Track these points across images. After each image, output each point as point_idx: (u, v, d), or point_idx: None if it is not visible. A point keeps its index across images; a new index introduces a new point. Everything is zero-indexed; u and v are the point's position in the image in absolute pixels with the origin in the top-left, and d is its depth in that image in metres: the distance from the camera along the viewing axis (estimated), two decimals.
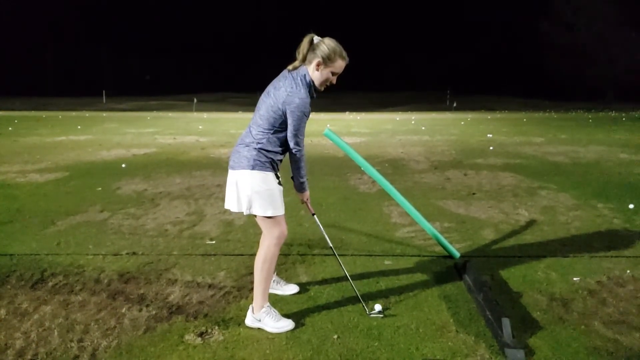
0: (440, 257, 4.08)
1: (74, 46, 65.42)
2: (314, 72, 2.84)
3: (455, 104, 38.89)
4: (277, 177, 2.91)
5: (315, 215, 3.21)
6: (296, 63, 2.88)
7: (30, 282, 3.53)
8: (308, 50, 2.83)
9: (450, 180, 7.59)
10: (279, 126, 2.81)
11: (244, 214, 2.90)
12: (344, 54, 2.85)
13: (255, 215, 2.89)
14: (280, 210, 2.88)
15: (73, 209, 5.68)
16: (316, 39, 2.85)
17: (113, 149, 11.74)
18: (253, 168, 2.82)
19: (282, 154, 2.91)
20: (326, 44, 2.82)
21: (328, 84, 2.92)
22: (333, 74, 2.87)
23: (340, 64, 2.86)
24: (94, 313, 3.05)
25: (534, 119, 26.56)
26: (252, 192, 2.82)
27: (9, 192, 6.67)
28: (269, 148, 2.83)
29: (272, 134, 2.82)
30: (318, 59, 2.80)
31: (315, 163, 9.39)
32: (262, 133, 2.84)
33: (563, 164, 9.34)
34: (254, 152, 2.82)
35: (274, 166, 2.88)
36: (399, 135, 15.64)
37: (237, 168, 2.86)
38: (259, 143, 2.83)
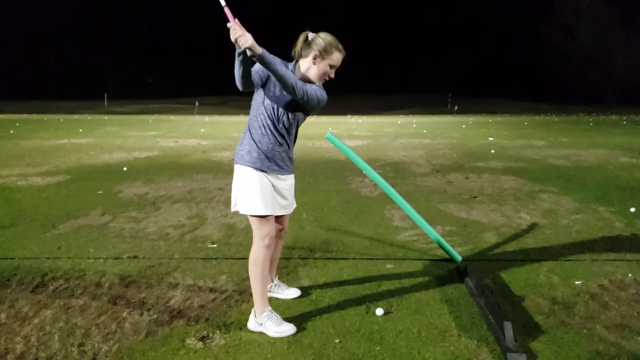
0: (442, 260, 4.07)
1: (75, 49, 65.55)
2: (311, 67, 2.83)
3: (456, 107, 38.94)
4: (272, 175, 2.86)
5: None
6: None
7: (30, 285, 3.52)
8: (302, 46, 2.83)
9: (452, 184, 7.58)
10: (260, 103, 2.82)
11: (231, 210, 2.91)
12: (340, 46, 2.84)
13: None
14: (267, 210, 2.82)
15: (74, 213, 5.68)
16: (311, 35, 2.85)
17: (114, 152, 11.75)
18: (242, 163, 2.84)
19: (272, 143, 2.82)
20: (322, 38, 2.81)
21: (327, 78, 2.90)
22: (331, 67, 2.86)
23: (337, 57, 2.85)
24: (94, 317, 3.04)
25: (535, 122, 26.56)
26: (239, 187, 2.85)
27: (10, 196, 6.68)
28: (257, 136, 2.82)
29: (257, 115, 2.83)
30: (314, 52, 2.80)
31: (316, 166, 9.39)
32: (250, 120, 2.87)
33: (564, 167, 9.33)
34: (246, 146, 2.84)
35: (266, 158, 2.81)
36: (400, 139, 15.65)
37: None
38: (249, 131, 2.85)
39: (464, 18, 64.91)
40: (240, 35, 2.40)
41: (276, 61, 2.57)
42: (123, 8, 67.31)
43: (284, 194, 2.95)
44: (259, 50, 2.45)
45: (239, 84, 2.62)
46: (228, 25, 2.42)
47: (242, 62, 2.51)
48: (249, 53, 2.45)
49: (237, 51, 2.47)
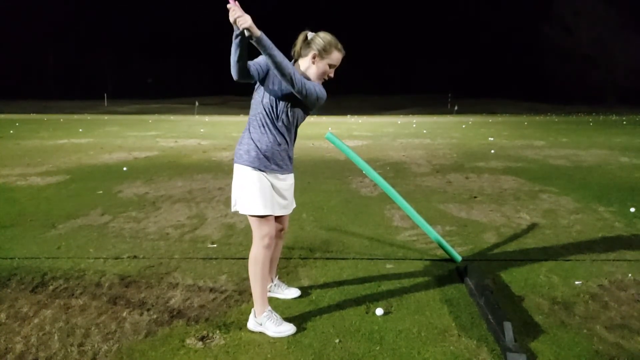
0: (442, 260, 4.07)
1: (75, 49, 65.55)
2: (311, 66, 2.82)
3: (456, 108, 38.95)
4: (271, 175, 2.84)
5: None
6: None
7: (30, 285, 3.52)
8: (302, 46, 2.83)
9: (452, 184, 7.58)
10: (259, 102, 2.81)
11: (231, 210, 2.91)
12: (340, 45, 2.83)
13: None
14: (266, 210, 2.80)
15: (74, 213, 5.68)
16: (310, 34, 2.84)
17: (114, 152, 11.75)
18: (241, 162, 2.82)
19: (271, 142, 2.80)
20: (321, 37, 2.81)
21: (326, 77, 2.89)
22: (330, 66, 2.85)
23: (336, 56, 2.84)
24: (94, 317, 3.04)
25: (535, 122, 26.56)
26: (239, 187, 2.84)
27: (10, 196, 6.67)
28: (257, 135, 2.80)
29: (257, 114, 2.81)
30: (314, 52, 2.79)
31: (316, 166, 9.39)
32: (249, 119, 2.86)
33: (564, 167, 9.33)
34: (245, 145, 2.82)
35: (265, 157, 2.79)
36: (400, 139, 15.65)
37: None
38: (249, 130, 2.84)
39: (463, 18, 64.91)
40: (240, 16, 2.39)
41: (274, 47, 2.53)
42: (123, 8, 67.32)
43: (283, 193, 2.94)
44: (258, 32, 2.44)
45: (233, 70, 2.57)
46: (228, 6, 2.41)
47: (239, 45, 2.48)
48: (246, 34, 2.43)
49: (235, 33, 2.45)
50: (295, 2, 65.17)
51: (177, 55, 68.05)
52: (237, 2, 2.43)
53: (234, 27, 2.43)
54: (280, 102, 2.77)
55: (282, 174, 2.90)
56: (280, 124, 2.81)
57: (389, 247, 4.46)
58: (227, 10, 2.43)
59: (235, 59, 2.52)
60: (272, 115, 2.79)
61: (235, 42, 2.47)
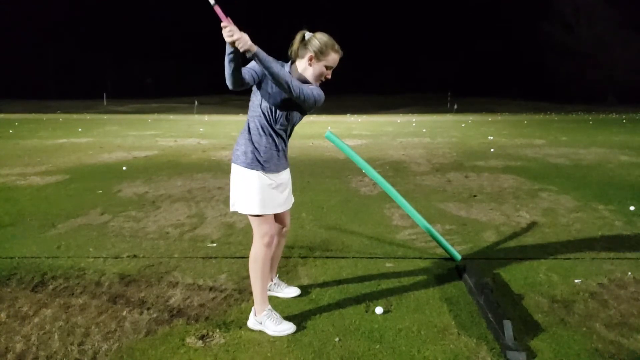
0: (442, 259, 4.08)
1: (74, 49, 65.48)
2: (307, 68, 2.82)
3: (456, 106, 38.89)
4: (269, 174, 2.82)
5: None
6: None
7: (30, 285, 3.53)
8: (299, 46, 2.82)
9: (451, 183, 7.59)
10: (257, 105, 2.80)
11: (230, 210, 2.91)
12: (337, 46, 2.82)
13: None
14: (264, 210, 2.80)
15: (74, 212, 5.68)
16: (308, 34, 2.83)
17: (114, 152, 11.75)
18: (238, 163, 2.82)
19: (270, 144, 2.80)
20: (318, 38, 2.79)
21: (323, 78, 2.88)
22: (327, 68, 2.84)
23: (333, 57, 2.82)
24: (94, 316, 3.04)
25: (535, 121, 26.56)
26: (237, 187, 2.84)
27: (9, 195, 6.67)
28: (255, 137, 2.79)
29: (255, 116, 2.80)
30: (310, 53, 2.78)
31: (316, 165, 9.39)
32: (248, 120, 2.85)
33: (564, 166, 9.33)
34: (242, 146, 2.82)
35: (263, 159, 2.78)
36: (400, 138, 15.64)
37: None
38: (247, 131, 2.83)
39: (463, 16, 64.89)
40: (238, 38, 2.39)
41: (270, 59, 2.53)
42: (123, 7, 67.25)
43: (281, 189, 2.93)
44: (255, 48, 2.44)
45: (229, 82, 2.57)
46: (222, 24, 2.40)
47: (233, 60, 2.48)
48: (248, 55, 2.45)
49: (229, 50, 2.45)
50: (295, 0, 65.10)
51: (176, 54, 68.01)
52: (229, 18, 2.41)
53: (228, 45, 2.42)
54: (279, 106, 2.77)
55: (279, 171, 2.91)
56: (278, 126, 2.81)
57: (388, 246, 4.46)
58: (217, 14, 2.42)
59: (230, 72, 2.52)
60: (270, 118, 2.78)
61: (228, 57, 2.47)
